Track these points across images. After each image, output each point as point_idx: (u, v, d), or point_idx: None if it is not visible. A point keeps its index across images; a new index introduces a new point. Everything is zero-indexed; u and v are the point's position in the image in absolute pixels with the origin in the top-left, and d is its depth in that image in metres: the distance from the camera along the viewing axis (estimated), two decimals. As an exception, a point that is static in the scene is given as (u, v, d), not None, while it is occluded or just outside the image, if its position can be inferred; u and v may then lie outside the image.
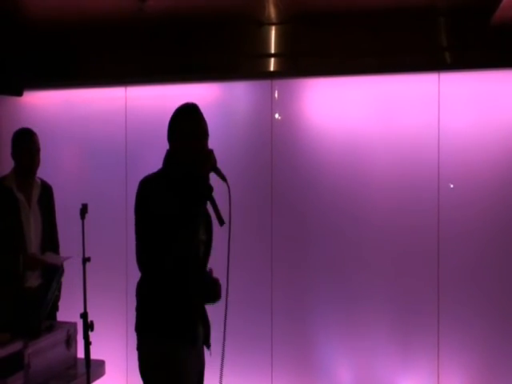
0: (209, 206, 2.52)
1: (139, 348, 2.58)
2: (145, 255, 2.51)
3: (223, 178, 2.51)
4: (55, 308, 3.66)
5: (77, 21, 4.31)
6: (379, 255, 4.21)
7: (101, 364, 3.23)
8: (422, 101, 4.17)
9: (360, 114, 4.26)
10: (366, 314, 4.21)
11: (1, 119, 4.86)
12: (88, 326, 2.91)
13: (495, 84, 4.08)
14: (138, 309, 2.61)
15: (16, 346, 2.73)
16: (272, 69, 4.32)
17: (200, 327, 2.58)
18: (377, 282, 4.20)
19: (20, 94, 4.65)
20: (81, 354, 3.07)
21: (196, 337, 2.52)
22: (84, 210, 3.01)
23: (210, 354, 2.62)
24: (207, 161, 2.48)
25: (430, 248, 4.13)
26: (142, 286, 2.62)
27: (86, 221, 3.03)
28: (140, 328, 2.58)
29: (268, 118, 4.37)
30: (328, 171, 4.28)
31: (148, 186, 2.55)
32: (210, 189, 2.46)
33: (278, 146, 4.35)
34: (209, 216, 2.60)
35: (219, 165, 2.53)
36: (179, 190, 2.45)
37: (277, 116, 4.38)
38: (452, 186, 4.09)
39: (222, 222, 2.48)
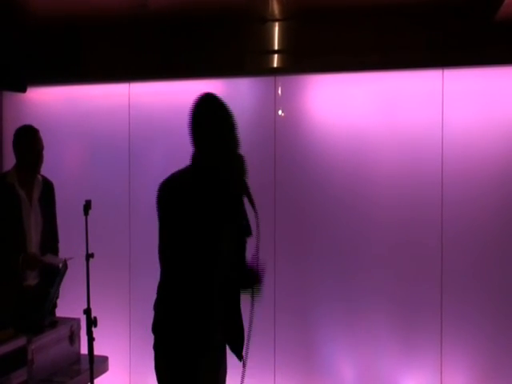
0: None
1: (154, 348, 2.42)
2: (169, 252, 2.34)
3: (253, 205, 2.33)
4: (54, 306, 3.65)
5: (80, 17, 4.31)
6: (382, 252, 4.20)
7: (104, 360, 3.24)
8: (425, 97, 4.15)
9: (364, 111, 4.25)
10: (370, 312, 4.21)
11: (5, 115, 4.87)
12: (91, 322, 2.92)
13: (499, 80, 4.07)
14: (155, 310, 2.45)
15: (19, 342, 2.74)
16: (275, 65, 4.31)
17: (216, 336, 2.42)
18: (380, 280, 4.19)
19: (24, 90, 4.65)
20: (84, 350, 3.08)
21: (207, 347, 2.37)
22: (87, 207, 3.01)
23: (243, 364, 2.48)
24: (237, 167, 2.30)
25: (434, 245, 4.12)
26: (161, 286, 2.42)
27: (89, 217, 3.03)
28: (155, 331, 2.42)
29: (271, 115, 4.36)
30: (331, 167, 4.28)
31: (176, 185, 2.35)
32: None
33: (281, 142, 4.35)
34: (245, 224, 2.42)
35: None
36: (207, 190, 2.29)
37: (280, 112, 4.37)
38: None
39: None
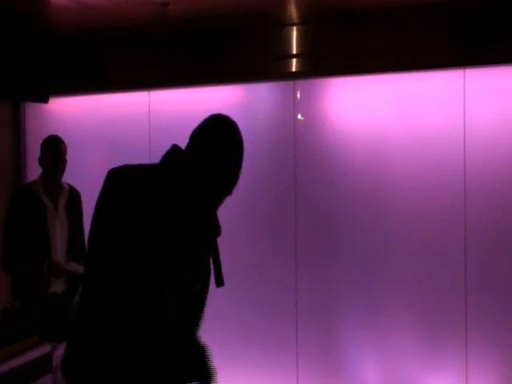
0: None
1: None
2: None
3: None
4: None
5: (100, 28, 4.36)
6: (405, 254, 4.16)
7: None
8: (447, 97, 4.11)
9: (384, 113, 4.23)
10: (392, 313, 4.16)
11: (28, 126, 4.94)
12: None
13: (522, 79, 4.01)
14: None
15: (44, 349, 2.76)
16: (294, 69, 4.30)
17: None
18: (403, 283, 4.15)
19: (46, 100, 4.71)
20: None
21: None
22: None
23: None
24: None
25: (457, 246, 4.06)
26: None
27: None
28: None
29: (291, 119, 4.35)
30: (352, 170, 4.25)
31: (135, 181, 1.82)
32: (216, 231, 1.80)
33: (300, 146, 4.34)
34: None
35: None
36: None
37: (299, 116, 4.36)
38: None
39: (219, 283, 1.79)
